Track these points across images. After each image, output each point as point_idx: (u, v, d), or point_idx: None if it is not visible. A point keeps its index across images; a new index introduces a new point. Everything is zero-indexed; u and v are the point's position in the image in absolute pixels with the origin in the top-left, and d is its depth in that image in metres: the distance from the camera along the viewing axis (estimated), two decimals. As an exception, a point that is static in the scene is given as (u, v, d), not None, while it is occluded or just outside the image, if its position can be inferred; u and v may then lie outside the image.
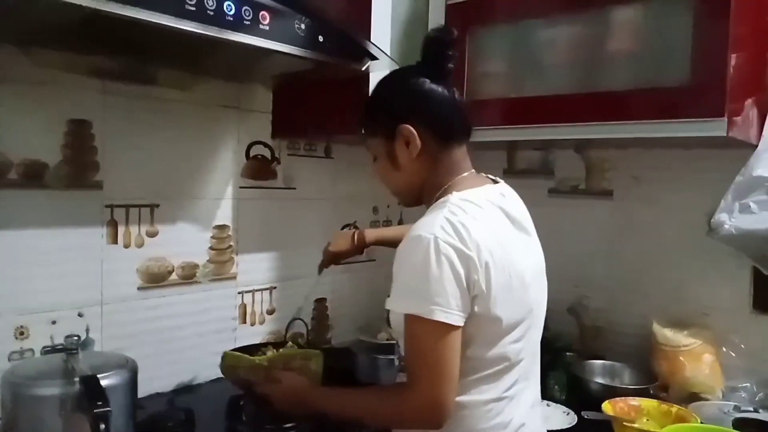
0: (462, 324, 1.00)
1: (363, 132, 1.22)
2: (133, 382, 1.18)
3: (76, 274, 1.53)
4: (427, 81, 1.13)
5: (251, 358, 1.43)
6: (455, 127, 1.15)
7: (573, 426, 1.53)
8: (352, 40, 1.50)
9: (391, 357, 1.76)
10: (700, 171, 1.80)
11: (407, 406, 1.04)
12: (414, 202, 1.23)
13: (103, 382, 1.08)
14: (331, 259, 1.63)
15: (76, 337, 1.19)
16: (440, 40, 1.13)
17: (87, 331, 1.54)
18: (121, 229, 1.60)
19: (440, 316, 0.98)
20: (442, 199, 1.09)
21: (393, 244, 1.56)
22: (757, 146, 1.59)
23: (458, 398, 1.04)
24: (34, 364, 1.22)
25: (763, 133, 1.59)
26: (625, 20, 1.61)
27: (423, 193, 1.18)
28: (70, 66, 1.48)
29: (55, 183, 1.48)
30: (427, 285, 0.98)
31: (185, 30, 1.15)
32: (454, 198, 1.07)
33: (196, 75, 1.70)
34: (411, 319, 1.00)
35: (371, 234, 1.62)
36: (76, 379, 1.08)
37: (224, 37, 1.22)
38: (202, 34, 1.18)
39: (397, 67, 1.36)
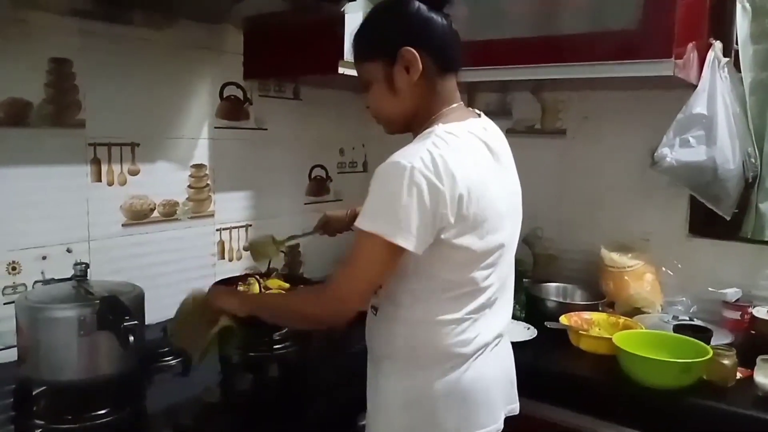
0: (414, 250, 1.04)
1: (358, 57, 1.21)
2: (142, 305, 1.25)
3: (63, 211, 1.56)
4: (426, 8, 1.14)
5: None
6: (453, 55, 1.18)
7: (534, 338, 1.71)
8: (331, -19, 1.55)
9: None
10: (645, 111, 1.96)
11: (318, 298, 1.15)
12: (402, 129, 1.23)
13: (121, 301, 1.15)
14: (325, 221, 1.67)
15: (84, 264, 1.25)
16: None
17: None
18: (104, 168, 1.64)
19: (400, 241, 1.02)
20: (428, 130, 1.11)
21: None
22: (696, 86, 1.77)
23: (420, 315, 1.13)
24: (47, 290, 1.25)
25: (702, 73, 1.76)
26: (581, -33, 1.72)
27: (412, 121, 1.19)
28: (48, 5, 1.48)
29: (39, 122, 1.50)
30: (396, 209, 1.02)
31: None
32: (439, 130, 1.10)
33: (171, 16, 1.72)
34: (370, 236, 1.04)
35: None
36: (94, 300, 1.14)
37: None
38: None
39: None
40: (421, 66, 1.13)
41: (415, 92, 1.16)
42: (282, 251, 1.57)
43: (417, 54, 1.12)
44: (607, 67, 1.64)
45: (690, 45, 1.66)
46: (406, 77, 1.14)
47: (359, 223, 1.06)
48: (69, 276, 1.30)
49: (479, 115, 1.22)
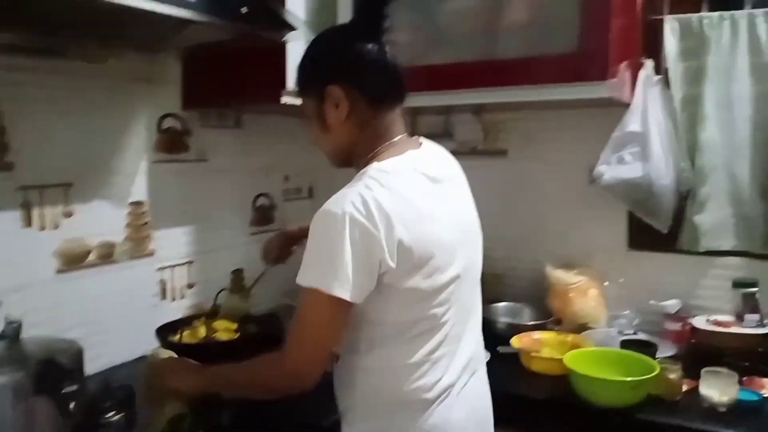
0: (357, 301, 1.02)
1: (296, 91, 1.19)
2: (80, 363, 1.19)
3: (-9, 260, 1.47)
4: (359, 41, 1.09)
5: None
6: (386, 90, 1.13)
7: (488, 361, 1.71)
8: (272, 11, 1.52)
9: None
10: (583, 129, 2.02)
11: (274, 369, 1.10)
12: (343, 164, 1.20)
13: (58, 364, 1.09)
14: (267, 256, 1.61)
15: (17, 323, 1.17)
16: None
17: (7, 318, 1.49)
18: (35, 212, 1.55)
19: (337, 291, 0.99)
20: (362, 171, 1.08)
21: None
22: (629, 105, 1.82)
23: (377, 362, 1.10)
24: (-25, 354, 1.17)
25: (635, 92, 1.82)
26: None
27: (351, 157, 1.16)
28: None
29: (-38, 167, 1.41)
30: (331, 260, 0.99)
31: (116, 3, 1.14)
32: (372, 170, 1.06)
33: (106, 47, 1.65)
34: (310, 292, 1.01)
35: (296, 228, 1.60)
36: (28, 363, 1.07)
37: (150, 8, 1.21)
38: (129, 6, 1.17)
39: (332, 26, 1.32)
40: (348, 104, 1.09)
41: (347, 129, 1.12)
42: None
43: (344, 92, 1.09)
44: (546, 90, 1.68)
45: (623, 64, 1.72)
46: (336, 115, 1.11)
47: (298, 279, 1.03)
48: (4, 327, 1.22)
49: (420, 145, 1.18)
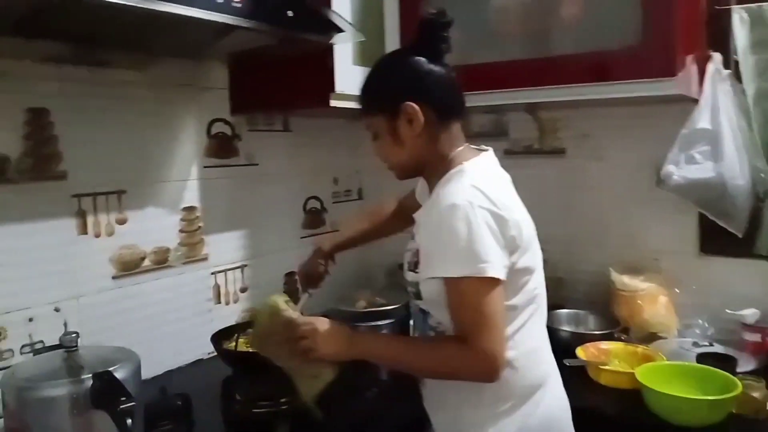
0: (503, 278, 1.07)
1: (363, 111, 1.24)
2: (138, 374, 1.17)
3: (49, 268, 1.48)
4: (425, 61, 1.17)
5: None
6: (453, 104, 1.22)
7: (550, 373, 1.63)
8: (319, 14, 1.48)
9: (372, 324, 1.81)
10: (646, 126, 1.91)
11: (465, 361, 1.09)
12: (412, 175, 1.28)
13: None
14: (302, 279, 1.59)
15: (74, 334, 1.16)
16: (436, 22, 1.18)
17: (65, 325, 1.50)
18: (90, 219, 1.55)
19: (491, 272, 1.05)
20: (455, 170, 1.16)
21: (352, 245, 1.62)
22: (698, 100, 1.72)
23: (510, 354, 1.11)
24: (34, 364, 1.17)
25: (704, 87, 1.72)
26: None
27: (424, 167, 1.24)
28: (21, 53, 1.40)
29: (19, 176, 1.41)
30: (474, 246, 1.04)
31: (162, 11, 1.11)
32: (467, 167, 1.15)
33: (152, 55, 1.65)
34: (462, 281, 1.06)
35: (327, 247, 1.59)
36: (86, 375, 1.06)
37: (193, 15, 1.18)
38: (172, 13, 1.14)
39: (397, 48, 1.43)
40: (422, 118, 1.16)
41: (419, 142, 1.19)
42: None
43: (418, 107, 1.16)
44: (607, 87, 1.59)
45: (689, 58, 1.62)
46: (410, 129, 1.18)
47: (443, 273, 1.07)
48: (58, 338, 1.21)
49: (481, 152, 1.24)
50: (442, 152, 1.20)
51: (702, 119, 1.72)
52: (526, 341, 1.17)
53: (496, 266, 1.06)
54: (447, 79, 1.19)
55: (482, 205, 1.07)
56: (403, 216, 1.56)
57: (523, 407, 1.16)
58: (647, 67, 1.51)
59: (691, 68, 1.65)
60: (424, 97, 1.17)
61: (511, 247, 1.10)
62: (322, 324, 1.19)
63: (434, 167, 1.21)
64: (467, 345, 1.07)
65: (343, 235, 1.66)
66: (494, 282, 1.06)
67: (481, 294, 1.06)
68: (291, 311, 1.24)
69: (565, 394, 1.28)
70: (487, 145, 1.26)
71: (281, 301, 1.26)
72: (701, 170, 1.72)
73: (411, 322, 1.42)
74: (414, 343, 1.22)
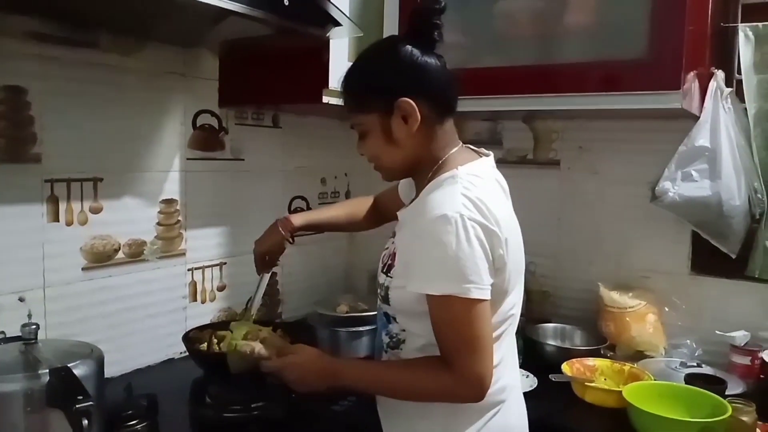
0: (488, 299, 1.01)
1: (352, 108, 1.14)
2: (101, 371, 1.10)
3: (15, 255, 1.40)
4: (419, 52, 1.08)
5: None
6: (450, 99, 1.13)
7: (534, 388, 1.58)
8: (316, 5, 1.43)
9: (353, 330, 1.75)
10: (643, 141, 1.87)
11: (450, 384, 1.03)
12: (402, 176, 1.22)
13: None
14: (262, 258, 1.51)
15: (34, 326, 1.09)
16: (430, 9, 1.09)
17: (29, 316, 1.42)
18: (62, 206, 1.48)
19: (476, 294, 0.98)
20: (447, 174, 1.08)
21: (321, 228, 1.56)
22: (698, 117, 1.68)
23: None
24: (-10, 356, 1.10)
25: (705, 104, 1.68)
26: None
27: (415, 167, 1.15)
28: (1, 28, 1.33)
29: (-11, 156, 1.34)
30: (461, 264, 0.97)
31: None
32: (462, 173, 1.06)
33: (140, 39, 1.58)
34: (445, 299, 0.99)
35: (298, 219, 1.50)
36: (42, 371, 0.99)
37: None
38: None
39: (384, 38, 1.32)
40: (419, 116, 1.07)
41: (414, 141, 1.10)
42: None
43: (414, 104, 1.07)
44: (610, 98, 1.54)
45: (692, 74, 1.58)
46: (405, 128, 1.09)
47: (426, 289, 1.01)
48: (20, 329, 1.14)
49: (482, 153, 1.18)
50: (436, 152, 1.12)
51: (701, 136, 1.69)
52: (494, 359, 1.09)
53: (482, 286, 0.99)
54: (444, 71, 1.11)
55: (473, 218, 0.99)
56: (377, 213, 1.53)
57: (479, 421, 1.11)
58: (653, 79, 1.47)
59: (694, 84, 1.61)
60: (421, 92, 1.07)
61: (498, 264, 1.03)
62: (294, 366, 1.15)
63: (426, 167, 1.13)
64: (453, 368, 1.02)
65: (317, 214, 1.57)
66: (479, 302, 1.00)
67: (467, 314, 1.00)
68: (255, 348, 1.21)
69: (524, 409, 1.22)
70: (488, 152, 1.18)
71: (242, 343, 1.24)
72: (698, 188, 1.69)
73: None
74: (395, 369, 1.13)
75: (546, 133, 2.06)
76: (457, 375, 1.01)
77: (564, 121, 2.02)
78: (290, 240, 1.50)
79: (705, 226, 1.72)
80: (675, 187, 1.71)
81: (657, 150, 1.78)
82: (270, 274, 1.53)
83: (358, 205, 1.56)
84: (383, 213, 1.50)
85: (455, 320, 1.00)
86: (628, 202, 1.91)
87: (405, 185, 1.34)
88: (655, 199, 1.74)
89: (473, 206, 1.00)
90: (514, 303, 1.13)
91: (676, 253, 1.84)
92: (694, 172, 1.70)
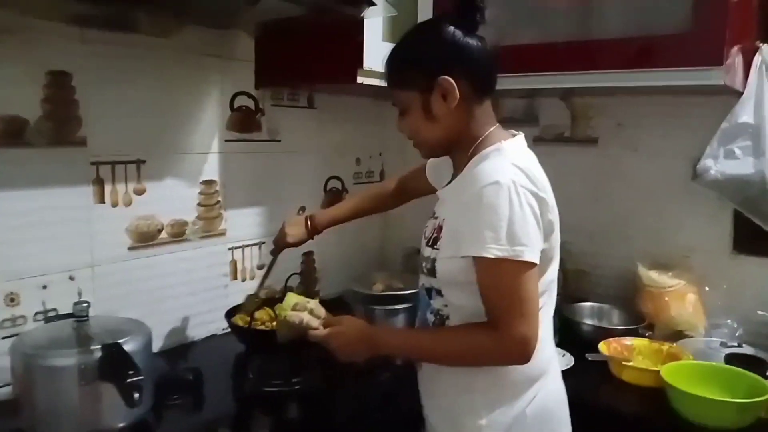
0: (538, 263, 1.04)
1: (393, 85, 1.17)
2: (149, 347, 1.14)
3: (65, 235, 1.46)
4: (461, 32, 1.10)
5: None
6: (490, 80, 1.15)
7: (570, 367, 1.58)
8: (350, -16, 1.43)
9: (389, 308, 1.78)
10: (684, 118, 1.83)
11: (498, 345, 1.05)
12: (441, 154, 1.24)
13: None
14: (285, 247, 1.60)
15: (85, 303, 1.14)
16: None
17: (79, 294, 1.48)
18: (107, 188, 1.53)
19: (528, 256, 1.01)
20: (492, 148, 1.11)
21: (347, 220, 1.61)
22: (742, 93, 1.63)
23: None
24: (44, 332, 1.15)
25: (749, 80, 1.63)
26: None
27: (454, 145, 1.17)
28: (46, 12, 1.37)
29: (37, 140, 1.38)
30: (514, 227, 1.00)
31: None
32: (507, 146, 1.10)
33: (179, 21, 1.60)
34: (498, 263, 1.01)
35: (322, 218, 1.59)
36: (95, 346, 1.04)
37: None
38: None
39: (428, 18, 1.36)
40: (458, 94, 1.10)
41: (453, 119, 1.13)
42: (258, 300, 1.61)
43: (454, 82, 1.10)
44: (650, 74, 1.51)
45: (737, 48, 1.53)
46: (444, 105, 1.12)
47: (479, 252, 1.02)
48: (72, 307, 1.19)
49: (513, 135, 1.19)
50: (475, 130, 1.14)
51: (744, 113, 1.64)
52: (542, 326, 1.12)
53: (534, 249, 1.02)
54: (485, 52, 1.12)
55: (525, 186, 1.03)
56: (402, 193, 1.58)
57: (522, 396, 1.13)
58: (695, 55, 1.43)
59: (738, 59, 1.57)
60: (461, 71, 1.10)
61: (547, 231, 1.07)
62: (339, 334, 1.18)
63: (465, 145, 1.15)
64: (499, 330, 1.03)
65: (339, 210, 1.63)
66: (530, 266, 1.02)
67: (517, 278, 1.02)
68: (304, 318, 1.22)
69: (563, 386, 1.24)
70: (517, 132, 1.20)
71: (291, 314, 1.24)
72: (740, 166, 1.65)
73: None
74: (441, 333, 1.15)
75: (584, 110, 2.03)
76: (505, 336, 1.03)
77: (602, 98, 1.98)
78: (311, 238, 1.59)
79: (747, 205, 1.67)
80: (717, 165, 1.67)
81: (697, 127, 1.74)
82: (277, 256, 1.62)
83: (380, 190, 1.63)
84: (408, 192, 1.55)
85: (505, 283, 1.03)
86: (667, 179, 1.87)
87: (433, 169, 1.37)
88: (697, 177, 1.70)
89: (523, 174, 1.04)
90: (554, 275, 1.16)
91: (717, 232, 1.81)
92: (736, 150, 1.65)
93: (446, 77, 1.09)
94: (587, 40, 1.62)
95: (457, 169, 1.18)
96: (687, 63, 1.44)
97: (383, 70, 1.19)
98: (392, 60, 1.17)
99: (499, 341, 1.04)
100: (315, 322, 1.20)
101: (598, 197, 2.01)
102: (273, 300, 1.62)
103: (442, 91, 1.10)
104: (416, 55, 1.14)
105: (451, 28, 1.11)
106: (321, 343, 1.19)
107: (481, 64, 1.12)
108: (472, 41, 1.11)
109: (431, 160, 1.35)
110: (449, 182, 1.20)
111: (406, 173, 1.56)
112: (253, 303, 1.60)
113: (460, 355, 1.11)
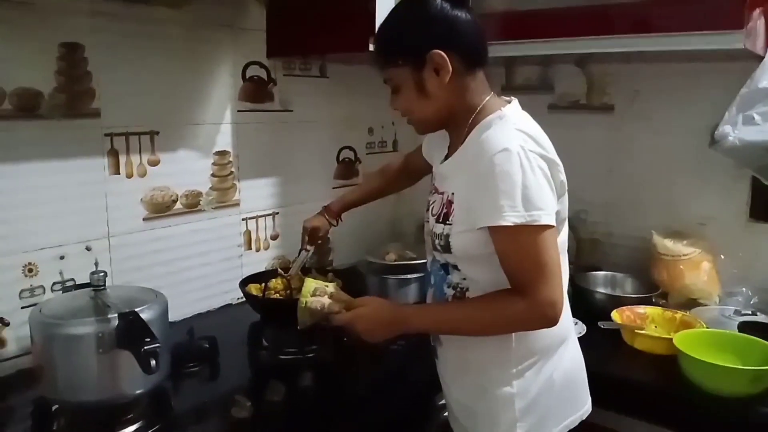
0: (555, 225, 1.04)
1: (383, 63, 1.14)
2: (165, 316, 1.16)
3: (81, 207, 1.48)
4: (449, 5, 1.09)
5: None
6: (480, 51, 1.14)
7: (583, 335, 1.59)
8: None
9: (402, 277, 1.79)
10: (702, 84, 1.80)
11: (528, 310, 1.04)
12: (436, 129, 1.21)
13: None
14: (308, 233, 1.58)
15: (102, 273, 1.15)
16: None
17: (96, 265, 1.46)
18: (122, 159, 1.54)
19: (545, 220, 1.00)
20: (494, 116, 1.09)
21: (361, 204, 1.61)
22: (763, 57, 1.59)
23: None
24: (62, 301, 1.17)
25: (770, 44, 1.59)
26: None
27: (449, 119, 1.16)
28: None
29: (52, 112, 1.40)
30: (530, 192, 1.00)
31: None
32: (508, 112, 1.09)
33: (189, -8, 1.60)
34: (517, 230, 1.00)
35: (337, 206, 1.59)
36: (112, 315, 1.06)
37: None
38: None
39: None
40: (450, 68, 1.09)
41: (446, 93, 1.11)
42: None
43: (446, 56, 1.08)
44: (668, 39, 1.48)
45: (758, 11, 1.49)
46: (437, 80, 1.10)
47: (498, 222, 1.00)
48: (89, 276, 1.21)
49: (509, 102, 1.17)
50: (471, 101, 1.13)
51: (765, 78, 1.59)
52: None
53: (550, 213, 1.02)
54: (473, 24, 1.11)
55: (534, 150, 1.02)
56: (410, 172, 1.56)
57: (549, 362, 1.15)
58: (714, 19, 1.40)
59: (759, 22, 1.52)
60: (452, 45, 1.08)
61: (560, 192, 1.08)
62: (364, 317, 1.16)
63: (463, 117, 1.13)
64: (526, 295, 1.03)
65: (352, 194, 1.64)
66: (548, 229, 1.02)
67: (536, 242, 1.02)
68: (326, 303, 1.20)
69: (581, 351, 1.26)
70: (531, 99, 1.19)
71: (312, 300, 1.21)
72: (760, 132, 1.61)
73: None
74: (466, 304, 1.14)
75: (600, 76, 2.00)
76: (531, 301, 1.03)
77: (618, 65, 1.95)
78: (334, 223, 1.59)
79: (765, 171, 1.65)
80: (735, 131, 1.63)
81: (716, 93, 1.70)
82: (310, 252, 1.59)
83: (389, 171, 1.60)
84: (416, 170, 1.51)
85: (526, 249, 1.02)
86: (684, 147, 1.85)
87: (428, 145, 1.35)
88: (714, 143, 1.67)
89: (530, 138, 1.04)
90: (565, 236, 1.16)
91: (733, 200, 1.79)
92: (756, 116, 1.61)
93: (437, 51, 1.07)
94: (603, 4, 1.58)
95: (456, 141, 1.16)
96: (706, 27, 1.41)
97: (375, 48, 1.16)
98: (381, 38, 1.16)
99: (528, 306, 1.03)
100: (336, 306, 1.19)
101: (614, 165, 1.99)
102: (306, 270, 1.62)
103: (435, 66, 1.08)
104: (405, 30, 1.13)
105: (439, 2, 1.09)
106: (345, 327, 1.18)
107: (471, 36, 1.11)
108: (461, 13, 1.09)
109: (427, 135, 1.32)
110: (446, 156, 1.19)
111: (412, 152, 1.53)
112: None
113: (491, 323, 1.10)
